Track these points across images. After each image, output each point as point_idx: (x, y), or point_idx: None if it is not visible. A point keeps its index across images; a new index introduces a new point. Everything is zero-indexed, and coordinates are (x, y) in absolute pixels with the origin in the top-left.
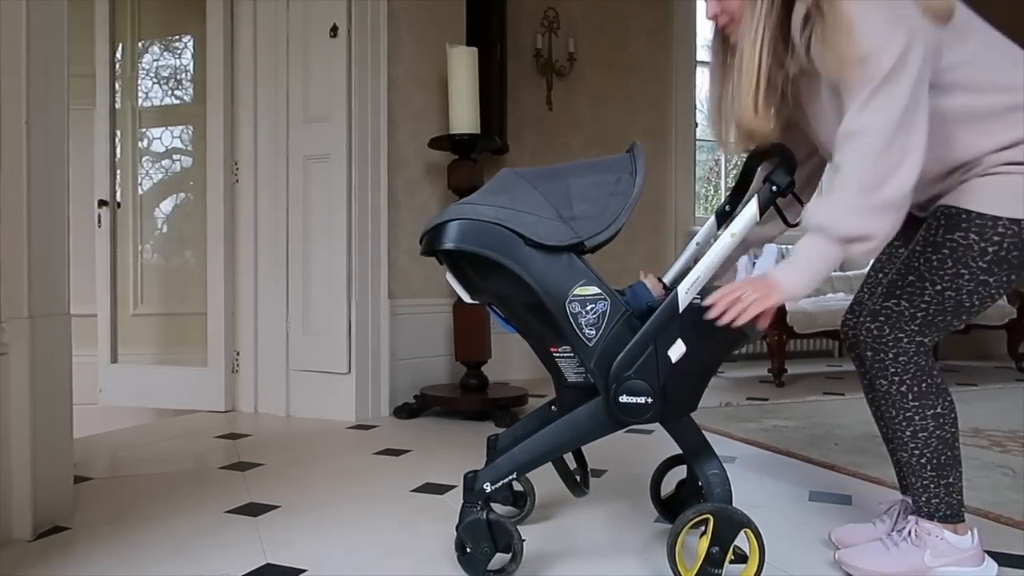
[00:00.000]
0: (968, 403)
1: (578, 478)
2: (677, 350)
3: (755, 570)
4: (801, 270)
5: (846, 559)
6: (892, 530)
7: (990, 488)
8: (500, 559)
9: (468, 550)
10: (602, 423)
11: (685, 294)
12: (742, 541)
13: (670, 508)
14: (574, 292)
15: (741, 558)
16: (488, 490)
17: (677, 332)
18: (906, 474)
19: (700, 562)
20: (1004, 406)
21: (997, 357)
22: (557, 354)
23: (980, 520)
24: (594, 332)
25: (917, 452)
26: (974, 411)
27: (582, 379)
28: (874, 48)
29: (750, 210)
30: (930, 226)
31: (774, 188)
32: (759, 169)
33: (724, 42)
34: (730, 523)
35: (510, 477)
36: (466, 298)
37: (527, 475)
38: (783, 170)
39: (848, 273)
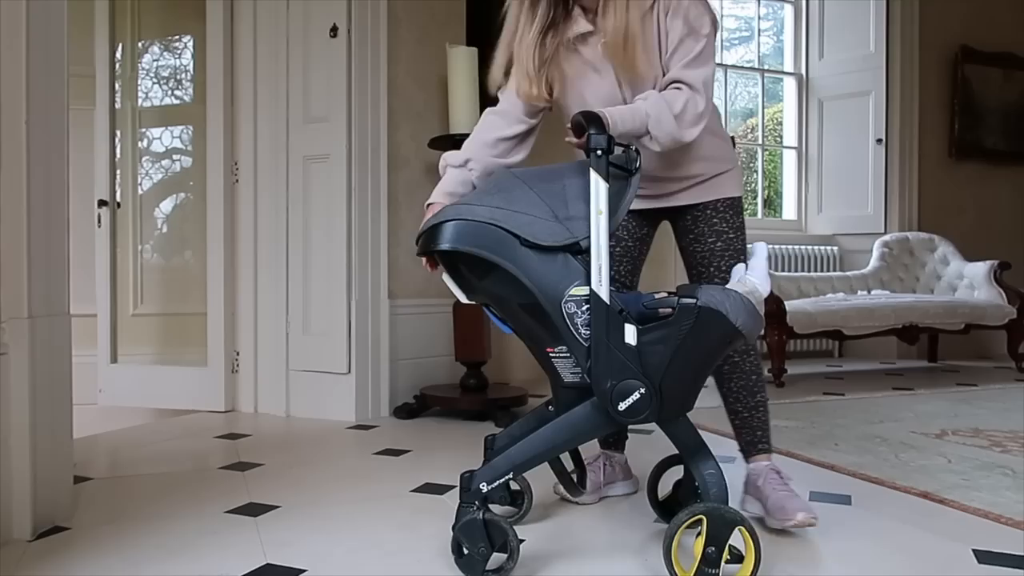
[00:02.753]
0: (968, 403)
1: (574, 478)
2: (631, 334)
3: (752, 568)
4: (624, 116)
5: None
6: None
7: (990, 488)
8: (497, 559)
9: (465, 551)
10: (598, 423)
11: (600, 286)
12: (739, 541)
13: (667, 509)
14: (570, 292)
15: (737, 558)
16: (484, 490)
17: (620, 322)
18: (749, 429)
19: (696, 563)
20: (1004, 406)
21: (997, 357)
22: (553, 354)
23: (980, 520)
24: (589, 332)
25: (764, 400)
26: (974, 411)
27: (579, 379)
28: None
29: (597, 183)
30: (725, 217)
31: (599, 152)
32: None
33: None
34: (723, 522)
35: (506, 477)
36: (462, 298)
37: (524, 474)
38: (594, 133)
39: (848, 273)
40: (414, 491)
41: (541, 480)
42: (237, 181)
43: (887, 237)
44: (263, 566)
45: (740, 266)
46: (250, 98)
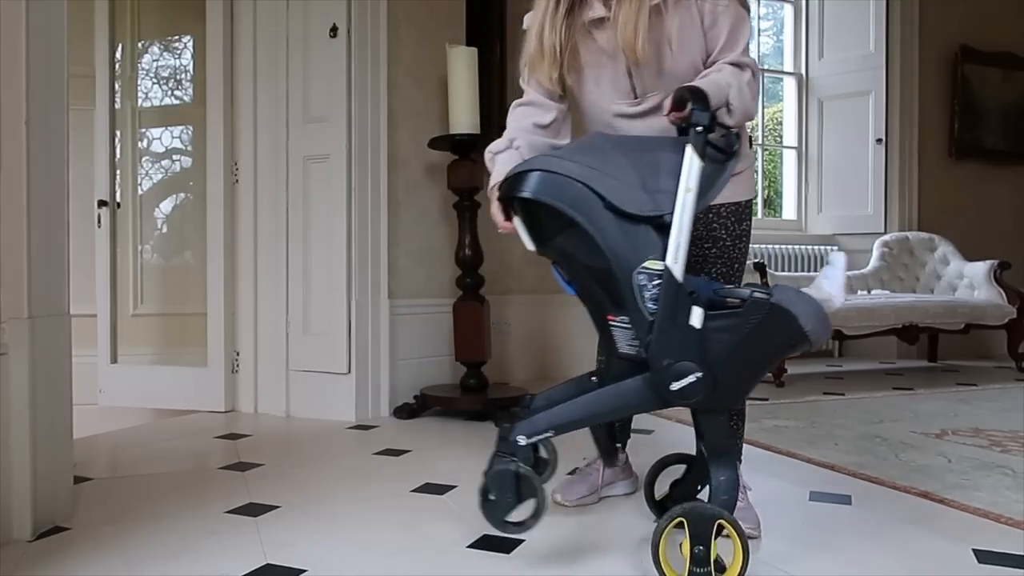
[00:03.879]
0: (968, 403)
1: (619, 445)
2: (697, 317)
3: (741, 559)
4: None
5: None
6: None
7: (990, 488)
8: (520, 512)
9: (491, 497)
10: (647, 398)
11: (675, 263)
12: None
13: (665, 509)
14: (644, 264)
15: (720, 567)
16: (521, 443)
17: (688, 303)
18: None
19: (688, 564)
20: (1004, 406)
21: (997, 357)
22: (613, 322)
23: (980, 520)
24: (655, 307)
25: (740, 410)
26: (974, 411)
27: (634, 351)
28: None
29: (691, 159)
30: (725, 224)
31: (699, 128)
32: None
33: None
34: (703, 519)
35: (545, 435)
36: (530, 246)
37: (553, 446)
38: (698, 108)
39: (848, 273)
40: (414, 491)
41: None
42: (237, 181)
43: (887, 237)
44: (263, 566)
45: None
46: (250, 98)
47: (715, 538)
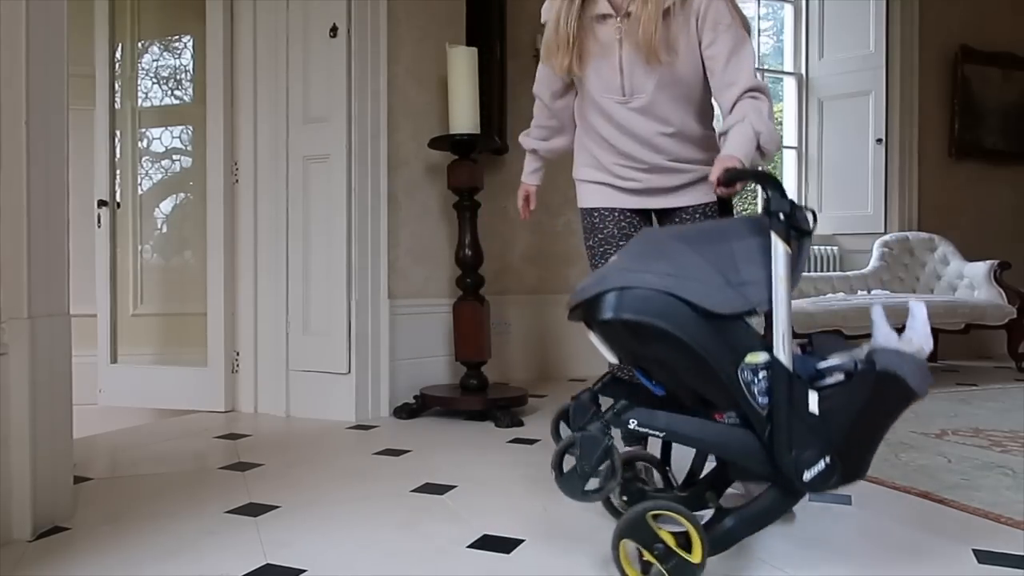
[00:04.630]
0: (968, 403)
1: (668, 473)
2: (815, 402)
3: (699, 543)
4: (744, 147)
5: None
6: None
7: (990, 488)
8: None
9: (566, 469)
10: (761, 463)
11: (783, 354)
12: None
13: (618, 510)
14: (746, 360)
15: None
16: (632, 427)
17: (804, 389)
18: None
19: (657, 565)
20: (1004, 406)
21: (997, 357)
22: (722, 421)
23: (980, 520)
24: (767, 400)
25: None
26: (974, 411)
27: None
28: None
29: (779, 248)
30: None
31: (781, 215)
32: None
33: None
34: (639, 526)
35: (656, 432)
36: (613, 360)
37: (653, 467)
38: (777, 195)
39: (848, 273)
40: (414, 491)
41: (538, 481)
42: (237, 181)
43: (887, 237)
44: (263, 566)
45: (879, 315)
46: (250, 98)
47: (661, 529)
